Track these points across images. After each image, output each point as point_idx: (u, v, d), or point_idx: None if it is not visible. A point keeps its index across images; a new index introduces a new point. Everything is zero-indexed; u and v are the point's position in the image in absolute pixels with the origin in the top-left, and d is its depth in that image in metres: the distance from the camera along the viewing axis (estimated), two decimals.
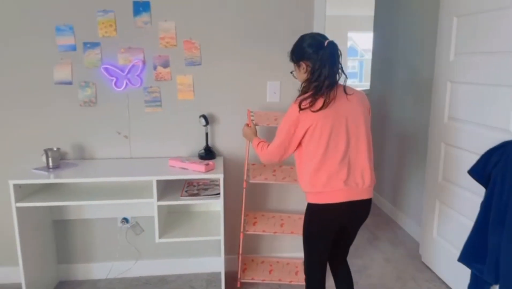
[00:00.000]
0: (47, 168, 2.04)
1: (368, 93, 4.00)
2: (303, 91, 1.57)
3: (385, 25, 3.55)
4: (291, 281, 2.28)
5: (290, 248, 2.51)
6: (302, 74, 1.61)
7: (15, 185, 1.89)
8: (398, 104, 3.27)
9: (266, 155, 1.67)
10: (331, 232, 1.60)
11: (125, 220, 2.37)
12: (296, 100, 1.55)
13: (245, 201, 2.21)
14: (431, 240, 2.48)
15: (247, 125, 1.99)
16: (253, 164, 2.34)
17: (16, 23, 2.13)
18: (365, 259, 2.65)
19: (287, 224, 2.30)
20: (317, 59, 1.51)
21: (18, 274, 2.06)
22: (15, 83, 2.19)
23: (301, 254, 2.54)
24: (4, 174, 2.20)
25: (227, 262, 2.34)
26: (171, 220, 2.23)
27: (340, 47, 1.57)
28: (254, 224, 2.28)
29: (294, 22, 2.28)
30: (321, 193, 1.54)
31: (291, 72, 1.70)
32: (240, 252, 2.28)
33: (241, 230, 2.22)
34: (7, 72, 2.17)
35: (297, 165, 1.63)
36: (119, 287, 2.31)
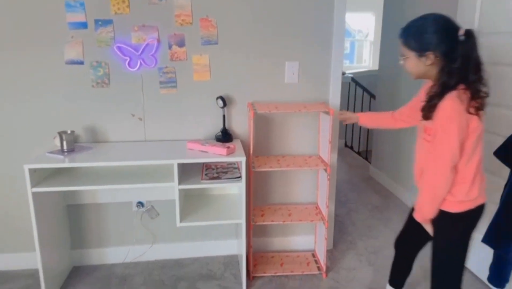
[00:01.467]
0: (62, 151, 1.97)
1: (376, 74, 3.97)
2: None
3: (395, 5, 3.48)
4: (303, 272, 2.28)
5: (299, 243, 2.53)
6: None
7: (30, 170, 1.81)
8: (409, 86, 3.24)
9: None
10: None
11: (140, 204, 2.32)
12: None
13: (251, 191, 2.17)
14: None
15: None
16: (256, 157, 2.31)
17: (22, 1, 2.01)
18: (380, 240, 2.67)
19: (294, 214, 2.28)
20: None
21: (33, 259, 2.02)
22: (24, 63, 2.08)
23: (310, 247, 2.55)
24: (17, 158, 2.13)
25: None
26: (187, 204, 2.20)
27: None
28: (261, 215, 2.26)
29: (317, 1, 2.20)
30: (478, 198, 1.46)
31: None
32: (251, 244, 2.24)
33: (250, 221, 2.18)
34: (15, 51, 2.06)
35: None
36: (135, 271, 2.29)
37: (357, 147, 4.73)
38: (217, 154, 1.99)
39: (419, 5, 3.03)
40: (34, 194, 1.85)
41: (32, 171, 1.83)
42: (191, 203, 2.21)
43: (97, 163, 1.89)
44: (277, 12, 2.19)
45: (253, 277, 2.24)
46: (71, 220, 2.30)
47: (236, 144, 2.13)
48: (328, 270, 2.32)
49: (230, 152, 2.00)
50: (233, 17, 2.17)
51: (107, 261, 2.36)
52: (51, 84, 2.12)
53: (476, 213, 1.47)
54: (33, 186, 1.83)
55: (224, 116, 2.24)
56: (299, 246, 2.53)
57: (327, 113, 2.13)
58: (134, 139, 2.25)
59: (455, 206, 1.44)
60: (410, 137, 3.11)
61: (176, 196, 1.94)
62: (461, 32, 1.32)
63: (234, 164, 2.19)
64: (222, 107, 2.21)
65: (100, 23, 2.08)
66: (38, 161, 1.87)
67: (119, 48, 2.12)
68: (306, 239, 2.54)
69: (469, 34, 1.32)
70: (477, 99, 1.33)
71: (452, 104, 1.30)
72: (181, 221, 1.99)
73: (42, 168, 1.90)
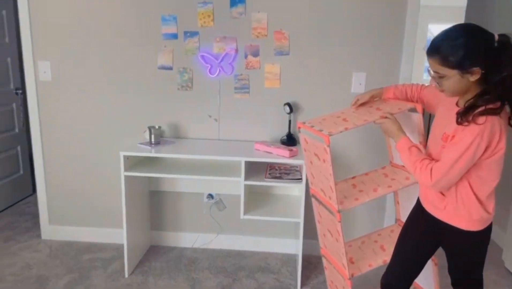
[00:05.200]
0: (150, 143, 2.30)
1: None
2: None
3: (476, 16, 3.33)
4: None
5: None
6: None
7: (124, 156, 2.16)
8: None
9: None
10: None
11: (210, 196, 2.58)
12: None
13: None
14: None
15: (385, 117, 1.58)
16: None
17: (127, 13, 2.40)
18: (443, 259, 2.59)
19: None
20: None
21: (119, 235, 2.37)
22: (125, 65, 2.47)
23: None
24: (112, 146, 2.53)
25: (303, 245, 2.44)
26: (251, 200, 2.39)
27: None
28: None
29: (384, 11, 2.27)
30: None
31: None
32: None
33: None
34: (118, 57, 2.46)
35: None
36: (203, 256, 2.54)
37: None
38: (280, 155, 2.16)
39: (501, 14, 2.89)
40: (126, 177, 2.19)
41: (126, 158, 2.18)
42: (254, 200, 2.40)
43: (177, 155, 2.17)
44: (346, 22, 2.31)
45: (309, 276, 2.35)
46: (152, 204, 2.64)
47: (299, 148, 2.27)
48: None
49: (293, 155, 2.15)
50: (304, 30, 2.33)
51: (180, 244, 2.66)
52: (145, 85, 2.48)
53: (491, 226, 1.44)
54: (125, 170, 2.18)
55: (290, 121, 2.40)
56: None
57: (413, 111, 1.73)
58: (209, 137, 2.52)
59: (477, 224, 1.40)
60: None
61: (241, 190, 2.15)
62: (496, 37, 1.24)
63: (297, 166, 2.33)
64: (288, 113, 2.37)
65: (188, 34, 2.39)
66: (131, 150, 2.21)
67: (202, 56, 2.41)
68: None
69: (504, 40, 1.24)
70: None
71: (491, 125, 1.23)
72: (244, 213, 2.18)
73: (133, 156, 2.24)
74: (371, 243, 2.00)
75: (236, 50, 2.39)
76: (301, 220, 2.14)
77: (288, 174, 2.23)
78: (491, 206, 1.39)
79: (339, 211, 1.69)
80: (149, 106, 2.51)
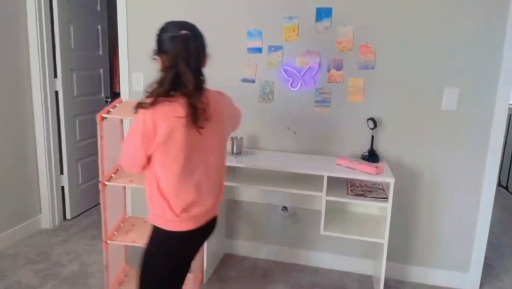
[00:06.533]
0: (232, 153, 2.36)
1: None
2: None
3: None
4: None
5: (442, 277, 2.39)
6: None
7: None
8: None
9: None
10: None
11: (285, 208, 2.58)
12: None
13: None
14: None
15: None
16: None
17: (216, 28, 2.50)
18: None
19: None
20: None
21: None
22: (210, 79, 2.57)
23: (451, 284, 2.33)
24: None
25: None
26: (328, 216, 2.33)
27: None
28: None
29: (481, 23, 2.13)
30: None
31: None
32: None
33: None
34: (206, 68, 2.56)
35: None
36: (277, 269, 2.54)
37: None
38: (365, 172, 2.09)
39: None
40: None
41: None
42: (330, 216, 2.34)
43: (261, 166, 2.21)
44: (437, 36, 2.20)
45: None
46: (228, 212, 2.69)
47: (384, 165, 2.19)
48: None
49: (379, 172, 2.07)
50: (392, 43, 2.26)
51: (252, 254, 2.68)
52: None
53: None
54: None
55: (372, 136, 2.33)
56: (441, 281, 2.41)
57: None
58: (287, 150, 2.53)
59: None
60: None
61: (322, 206, 2.12)
62: None
63: (379, 184, 2.25)
64: (372, 128, 2.31)
65: (272, 48, 2.44)
66: None
67: (285, 70, 2.43)
68: (452, 275, 2.41)
69: None
70: None
71: None
72: (324, 229, 2.14)
73: None
74: None
75: (319, 64, 2.39)
76: (385, 241, 2.05)
77: (371, 192, 2.16)
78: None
79: None
80: None
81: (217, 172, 1.46)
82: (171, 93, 1.30)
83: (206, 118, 1.32)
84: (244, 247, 2.70)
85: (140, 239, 1.99)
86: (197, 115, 1.29)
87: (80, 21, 3.15)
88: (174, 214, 1.34)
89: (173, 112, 1.28)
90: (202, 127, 1.31)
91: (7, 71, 2.65)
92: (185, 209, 1.35)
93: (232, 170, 2.43)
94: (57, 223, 3.08)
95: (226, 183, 2.25)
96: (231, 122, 1.59)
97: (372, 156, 2.32)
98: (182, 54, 1.30)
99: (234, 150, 2.35)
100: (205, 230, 1.48)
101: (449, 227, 2.37)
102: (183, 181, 1.34)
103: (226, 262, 2.60)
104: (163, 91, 1.29)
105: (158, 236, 1.39)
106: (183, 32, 1.32)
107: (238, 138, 2.38)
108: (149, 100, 1.29)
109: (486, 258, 2.72)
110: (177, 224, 1.36)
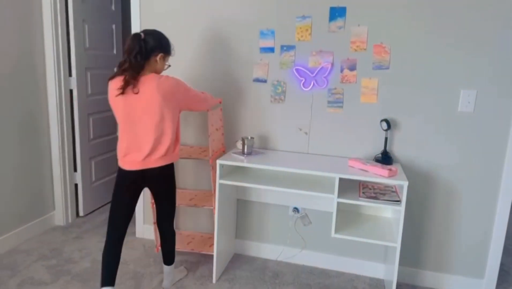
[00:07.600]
0: (242, 153, 2.35)
1: None
2: None
3: None
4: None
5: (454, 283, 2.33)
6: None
7: (220, 164, 2.23)
8: None
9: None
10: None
11: (296, 209, 2.55)
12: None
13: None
14: None
15: None
16: None
17: (228, 27, 2.50)
18: None
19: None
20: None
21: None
22: (222, 78, 2.58)
23: None
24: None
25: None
26: (339, 218, 2.30)
27: None
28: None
29: (496, 22, 2.08)
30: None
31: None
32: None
33: None
34: (217, 69, 2.57)
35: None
36: (287, 270, 2.52)
37: None
38: (378, 174, 2.06)
39: None
40: (219, 185, 2.26)
41: (221, 166, 2.25)
42: (342, 218, 2.31)
43: (272, 167, 2.18)
44: (454, 37, 2.14)
45: None
46: (239, 213, 2.69)
47: (398, 167, 2.15)
48: None
49: (392, 175, 2.04)
50: (408, 43, 2.22)
51: (262, 255, 2.67)
52: (239, 96, 2.56)
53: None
54: (220, 178, 2.25)
55: (386, 138, 2.29)
56: (454, 287, 2.36)
57: None
58: (298, 150, 2.50)
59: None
60: None
61: (334, 208, 2.09)
62: None
63: (392, 187, 2.21)
64: (385, 130, 2.27)
65: (285, 48, 2.42)
66: (226, 159, 2.28)
67: (297, 70, 2.41)
68: (467, 281, 2.35)
69: None
70: None
71: None
72: (335, 232, 2.12)
73: (227, 164, 2.31)
74: None
75: (332, 64, 2.36)
76: (398, 245, 2.02)
77: (383, 194, 2.12)
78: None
79: None
80: (241, 116, 2.57)
81: (154, 132, 1.90)
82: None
83: (135, 92, 1.85)
84: (254, 248, 2.69)
85: None
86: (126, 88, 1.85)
87: (94, 21, 3.19)
88: (120, 156, 1.98)
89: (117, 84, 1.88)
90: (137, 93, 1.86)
91: (23, 70, 2.70)
92: (125, 155, 1.95)
93: (241, 169, 2.42)
94: (70, 220, 3.13)
95: (235, 183, 2.25)
96: (173, 99, 1.94)
97: (385, 158, 2.28)
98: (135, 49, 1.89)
99: (245, 150, 2.34)
100: (143, 175, 1.98)
101: (464, 231, 2.31)
102: (123, 134, 1.94)
103: (235, 262, 2.59)
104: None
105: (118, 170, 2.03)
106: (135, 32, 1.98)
107: (249, 138, 2.37)
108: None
109: (501, 264, 2.65)
110: (121, 163, 1.99)
